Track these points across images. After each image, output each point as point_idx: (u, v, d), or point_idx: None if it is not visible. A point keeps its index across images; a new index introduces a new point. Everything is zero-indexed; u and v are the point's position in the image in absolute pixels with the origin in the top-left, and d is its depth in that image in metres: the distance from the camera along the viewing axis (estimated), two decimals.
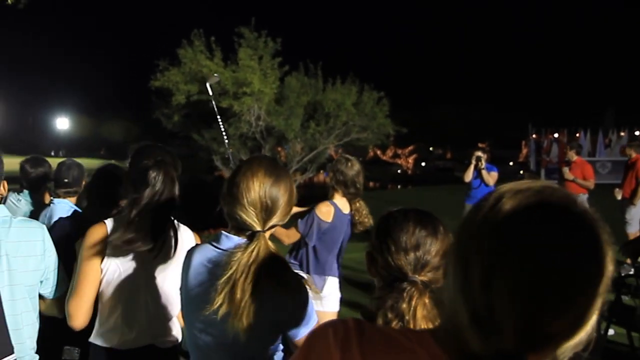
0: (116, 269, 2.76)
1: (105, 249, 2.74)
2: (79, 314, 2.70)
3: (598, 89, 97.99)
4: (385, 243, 1.83)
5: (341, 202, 4.88)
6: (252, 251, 2.04)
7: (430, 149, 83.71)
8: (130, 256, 2.78)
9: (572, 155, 10.55)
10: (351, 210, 4.94)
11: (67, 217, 3.97)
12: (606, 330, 5.91)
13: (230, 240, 2.16)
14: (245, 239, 2.12)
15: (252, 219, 2.09)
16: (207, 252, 2.20)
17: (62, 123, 73.18)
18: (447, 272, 1.05)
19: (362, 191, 4.95)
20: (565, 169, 10.59)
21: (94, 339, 2.84)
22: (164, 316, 2.85)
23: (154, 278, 2.83)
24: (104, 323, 2.83)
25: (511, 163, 57.91)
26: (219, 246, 2.17)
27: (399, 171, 67.11)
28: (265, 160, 2.23)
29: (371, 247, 1.90)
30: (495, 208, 0.98)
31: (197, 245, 2.38)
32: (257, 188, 2.10)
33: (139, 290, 2.82)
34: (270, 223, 2.14)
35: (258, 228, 2.10)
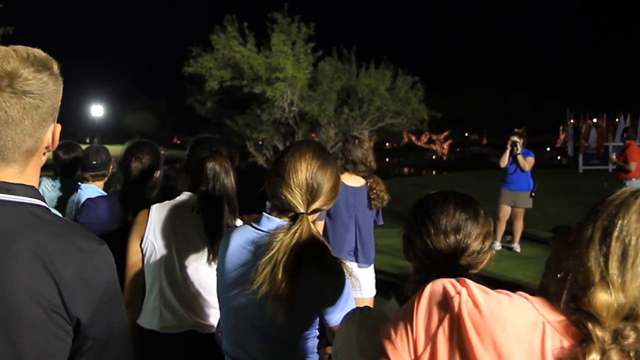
0: (152, 249, 2.84)
1: (146, 230, 2.85)
2: (125, 291, 2.85)
3: (638, 73, 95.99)
4: (425, 225, 1.75)
5: (348, 178, 4.86)
6: (295, 233, 2.02)
7: (466, 134, 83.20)
8: (166, 238, 2.85)
9: (625, 140, 10.48)
10: (366, 184, 4.92)
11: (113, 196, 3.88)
12: None
13: (271, 222, 2.14)
14: (287, 221, 2.10)
15: (296, 199, 2.06)
16: (248, 233, 2.18)
17: (97, 110, 73.92)
18: (586, 239, 1.19)
19: (373, 168, 4.93)
20: (612, 154, 10.50)
21: (139, 320, 2.91)
22: (203, 302, 2.87)
23: (188, 263, 2.86)
24: (145, 304, 2.91)
25: (548, 149, 57.33)
26: (259, 228, 2.16)
27: (433, 157, 66.86)
28: (313, 144, 2.23)
29: (408, 229, 1.83)
30: (630, 199, 1.20)
31: (235, 227, 2.36)
32: (305, 170, 2.08)
33: (174, 274, 2.85)
34: (314, 206, 2.10)
35: (302, 210, 2.07)
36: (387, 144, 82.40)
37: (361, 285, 4.80)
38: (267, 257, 1.99)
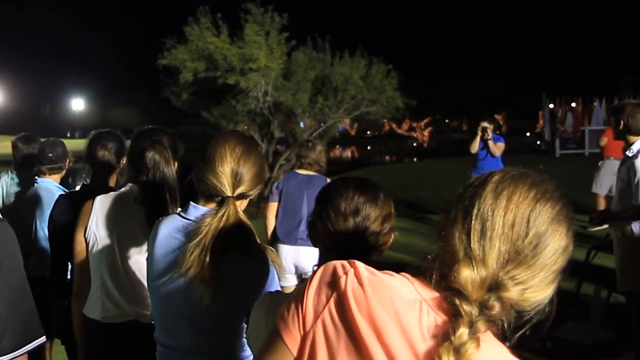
0: (95, 240, 2.90)
1: (89, 221, 2.93)
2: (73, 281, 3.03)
3: (615, 57, 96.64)
4: (326, 210, 1.85)
5: (303, 171, 5.56)
6: (222, 216, 2.09)
7: (446, 121, 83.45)
8: (108, 228, 2.90)
9: None
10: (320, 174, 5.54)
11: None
12: (577, 290, 6.24)
13: (197, 210, 2.21)
14: (214, 209, 2.16)
15: (222, 183, 2.13)
16: (175, 222, 2.26)
17: (78, 104, 73.32)
18: (451, 221, 1.27)
19: (324, 170, 5.67)
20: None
21: (84, 309, 2.99)
22: (144, 292, 2.90)
23: (129, 253, 2.91)
24: (90, 294, 2.98)
25: (528, 134, 57.72)
26: (186, 216, 2.23)
27: (414, 144, 67.01)
28: (237, 132, 2.31)
29: (312, 215, 1.93)
30: (487, 179, 1.29)
31: (164, 216, 2.41)
32: (229, 155, 2.15)
33: (114, 264, 2.90)
34: (239, 190, 2.16)
35: (228, 193, 2.13)
36: (368, 133, 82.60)
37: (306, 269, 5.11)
38: (195, 240, 2.06)
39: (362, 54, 16.84)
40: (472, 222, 1.24)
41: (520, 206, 1.24)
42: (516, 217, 1.23)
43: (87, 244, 2.93)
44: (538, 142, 44.43)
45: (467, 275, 1.19)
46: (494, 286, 1.20)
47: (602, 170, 10.82)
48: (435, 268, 1.27)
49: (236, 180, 2.15)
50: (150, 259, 2.30)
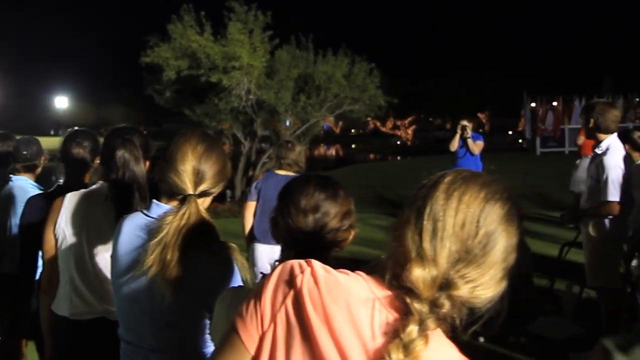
0: (63, 236, 2.92)
1: (58, 218, 2.95)
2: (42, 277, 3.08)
3: (596, 57, 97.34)
4: (287, 206, 1.89)
5: (282, 172, 5.54)
6: (184, 214, 2.10)
7: (430, 119, 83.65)
8: (76, 225, 2.93)
9: None
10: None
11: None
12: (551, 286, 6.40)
13: (160, 208, 2.22)
14: (176, 207, 2.18)
15: (183, 181, 2.15)
16: (138, 220, 2.28)
17: (61, 102, 72.52)
18: (404, 221, 1.31)
19: (304, 170, 5.68)
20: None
21: (53, 305, 3.00)
22: (111, 289, 2.92)
23: (97, 250, 2.93)
24: (58, 290, 2.99)
25: (510, 132, 57.92)
26: (149, 214, 2.25)
27: (398, 142, 67.08)
28: (199, 131, 2.34)
29: (274, 211, 1.97)
30: (439, 180, 1.33)
31: (128, 214, 2.43)
32: (190, 153, 2.17)
33: (83, 261, 2.92)
34: (201, 188, 2.19)
35: (190, 191, 2.15)
36: (352, 131, 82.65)
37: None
38: (156, 239, 2.07)
39: (345, 53, 16.90)
40: (424, 222, 1.27)
41: (471, 206, 1.28)
42: (466, 217, 1.27)
43: (56, 240, 2.95)
44: (520, 141, 44.73)
45: (419, 274, 1.23)
46: (445, 285, 1.24)
47: (579, 169, 10.95)
48: (388, 267, 1.30)
49: (198, 178, 2.17)
50: (113, 257, 2.32)
